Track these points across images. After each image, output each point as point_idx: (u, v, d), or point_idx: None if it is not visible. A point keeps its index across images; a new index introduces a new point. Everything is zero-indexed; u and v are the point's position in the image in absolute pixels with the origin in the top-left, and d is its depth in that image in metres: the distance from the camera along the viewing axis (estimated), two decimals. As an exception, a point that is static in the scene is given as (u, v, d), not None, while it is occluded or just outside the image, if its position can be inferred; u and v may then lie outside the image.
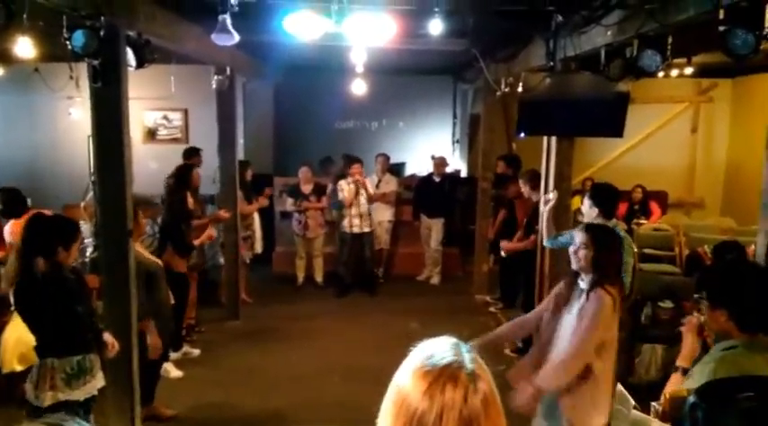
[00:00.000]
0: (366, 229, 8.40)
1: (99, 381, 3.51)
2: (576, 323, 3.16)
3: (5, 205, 5.37)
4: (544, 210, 4.63)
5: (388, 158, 9.19)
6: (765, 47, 2.99)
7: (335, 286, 8.61)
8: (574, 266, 3.30)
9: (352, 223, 8.32)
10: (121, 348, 3.86)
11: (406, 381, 1.31)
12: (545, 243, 4.80)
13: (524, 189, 5.82)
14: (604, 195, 4.37)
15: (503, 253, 6.99)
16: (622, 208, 8.72)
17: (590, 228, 3.33)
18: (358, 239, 8.40)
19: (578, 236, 3.29)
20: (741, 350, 2.42)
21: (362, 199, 8.28)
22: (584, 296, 3.24)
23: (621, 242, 3.35)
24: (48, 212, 3.64)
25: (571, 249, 3.32)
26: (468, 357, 1.32)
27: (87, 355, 3.41)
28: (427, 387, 1.27)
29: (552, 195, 4.63)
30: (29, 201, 5.77)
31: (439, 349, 1.34)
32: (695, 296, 2.66)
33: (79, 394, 3.35)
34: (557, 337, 3.32)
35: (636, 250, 4.04)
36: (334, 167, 9.42)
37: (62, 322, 3.30)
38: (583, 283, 3.28)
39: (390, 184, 9.02)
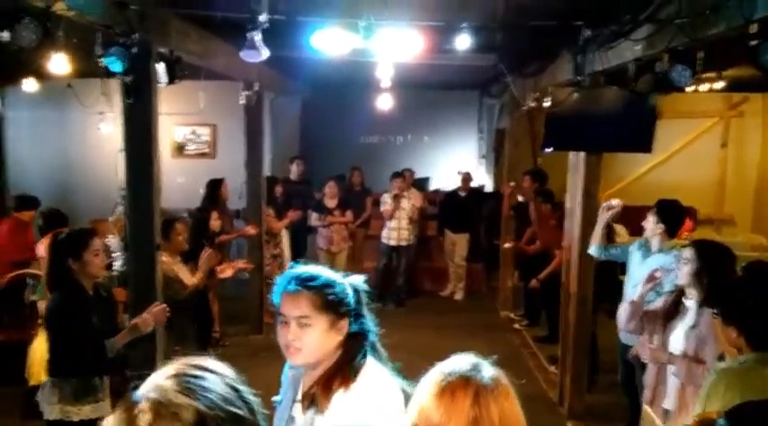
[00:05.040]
0: (403, 243, 8.49)
1: (107, 404, 3.42)
2: (694, 345, 3.13)
3: (45, 223, 5.50)
4: (603, 217, 4.57)
5: (412, 173, 9.21)
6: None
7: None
8: (678, 282, 3.27)
9: (390, 235, 8.47)
10: (147, 361, 3.88)
11: (422, 391, 1.32)
12: (591, 250, 4.73)
13: None
14: (669, 212, 4.29)
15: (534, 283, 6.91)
16: (688, 224, 8.50)
17: (697, 242, 3.32)
18: (393, 251, 8.55)
19: (684, 251, 3.27)
20: (750, 364, 2.39)
21: (404, 213, 8.35)
22: (691, 316, 3.20)
23: (732, 259, 3.27)
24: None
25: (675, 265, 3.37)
26: (487, 369, 1.32)
27: (94, 378, 3.37)
28: (439, 391, 1.27)
29: (616, 202, 4.57)
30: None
31: (456, 364, 1.34)
32: (713, 312, 2.65)
33: (88, 412, 3.31)
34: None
35: None
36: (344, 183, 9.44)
37: (68, 345, 3.30)
38: (689, 302, 3.24)
39: (417, 199, 9.04)
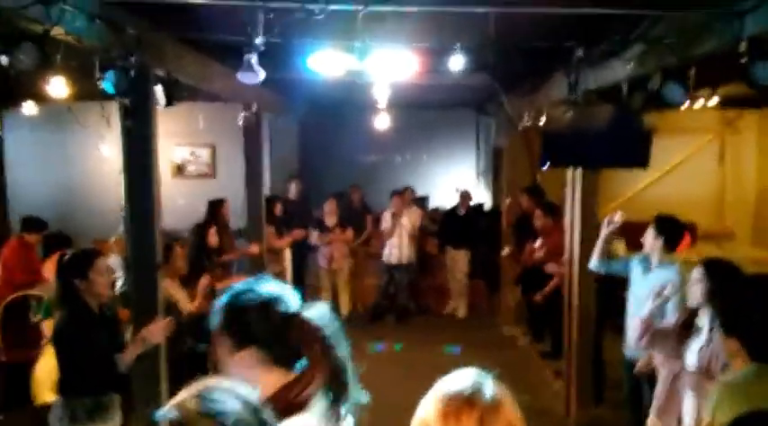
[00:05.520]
0: (404, 261, 8.53)
1: (117, 422, 3.48)
2: (706, 362, 3.15)
3: (48, 246, 5.55)
4: (605, 231, 4.59)
5: (412, 192, 9.24)
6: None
7: (369, 312, 8.83)
8: (690, 303, 3.30)
9: (391, 254, 8.52)
10: (150, 383, 3.88)
11: (427, 411, 1.32)
12: (593, 265, 4.73)
13: None
14: (668, 226, 4.34)
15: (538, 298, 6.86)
16: (687, 239, 8.30)
17: (706, 262, 3.34)
18: (393, 269, 8.59)
19: (694, 271, 3.30)
20: (752, 376, 2.41)
21: (404, 231, 8.37)
22: (704, 334, 3.22)
23: (742, 277, 3.28)
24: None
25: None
26: (490, 385, 1.32)
27: (104, 396, 3.40)
28: (443, 413, 1.28)
29: (618, 217, 4.58)
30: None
31: (460, 378, 1.34)
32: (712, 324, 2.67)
33: None
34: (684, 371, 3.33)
35: None
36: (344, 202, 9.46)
37: (79, 363, 3.33)
38: (702, 321, 3.26)
39: (416, 214, 9.07)
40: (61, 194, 9.33)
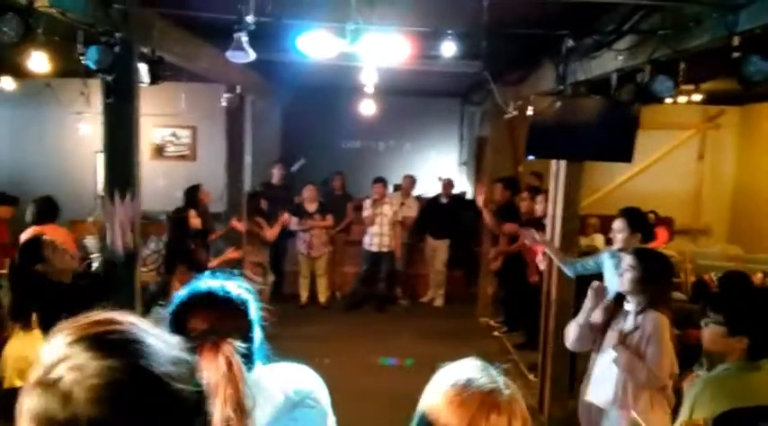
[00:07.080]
0: (384, 249, 8.45)
1: None
2: (635, 344, 3.25)
3: (39, 213, 5.38)
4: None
5: (414, 180, 9.20)
6: (779, 74, 2.99)
7: (347, 299, 8.77)
8: (620, 288, 3.39)
9: (372, 241, 8.45)
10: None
11: (440, 409, 1.26)
12: (569, 272, 4.85)
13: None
14: (640, 220, 4.37)
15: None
16: (664, 234, 8.20)
17: (637, 251, 3.45)
18: (375, 257, 8.52)
19: (626, 259, 3.38)
20: (734, 371, 2.45)
21: (385, 219, 8.32)
22: (631, 318, 3.33)
23: (671, 267, 3.50)
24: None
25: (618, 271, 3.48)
26: (502, 381, 1.30)
27: None
28: (471, 418, 1.22)
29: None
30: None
31: (472, 374, 1.30)
32: (703, 320, 2.68)
33: None
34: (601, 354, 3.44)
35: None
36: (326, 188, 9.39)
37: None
38: (629, 305, 3.37)
39: (412, 209, 9.01)
40: (37, 172, 9.12)
